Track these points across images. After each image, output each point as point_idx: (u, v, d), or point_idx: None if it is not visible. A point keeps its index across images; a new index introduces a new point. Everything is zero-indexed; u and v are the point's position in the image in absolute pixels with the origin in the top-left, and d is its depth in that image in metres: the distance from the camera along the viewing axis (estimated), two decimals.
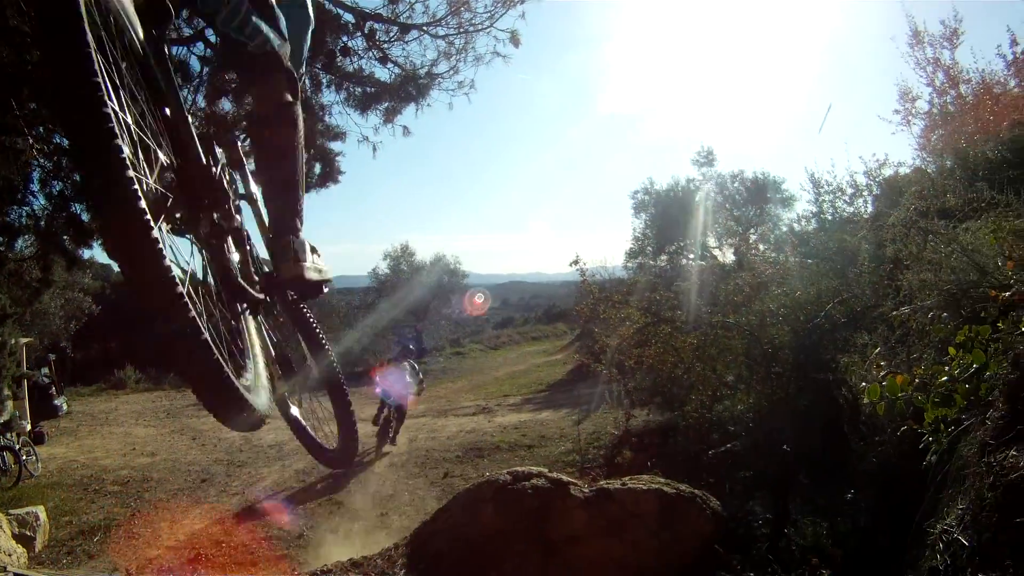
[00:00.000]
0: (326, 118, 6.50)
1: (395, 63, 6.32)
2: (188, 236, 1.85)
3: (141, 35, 1.64)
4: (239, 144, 2.38)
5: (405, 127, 6.58)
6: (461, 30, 6.22)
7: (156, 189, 1.55)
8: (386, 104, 6.41)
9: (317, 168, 6.61)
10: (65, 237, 6.23)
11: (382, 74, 6.37)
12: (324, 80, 6.35)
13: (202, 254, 1.93)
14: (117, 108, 1.32)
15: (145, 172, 1.47)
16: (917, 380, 2.25)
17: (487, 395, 14.25)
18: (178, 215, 1.76)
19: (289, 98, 2.09)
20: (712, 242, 13.99)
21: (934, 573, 1.84)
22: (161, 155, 1.63)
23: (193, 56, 5.84)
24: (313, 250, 2.16)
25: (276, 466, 8.33)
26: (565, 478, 3.75)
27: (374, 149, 6.61)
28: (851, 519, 3.53)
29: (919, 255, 3.54)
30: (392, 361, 11.14)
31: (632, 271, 15.12)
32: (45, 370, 12.95)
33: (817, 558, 3.07)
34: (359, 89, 6.33)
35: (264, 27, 1.88)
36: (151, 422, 12.58)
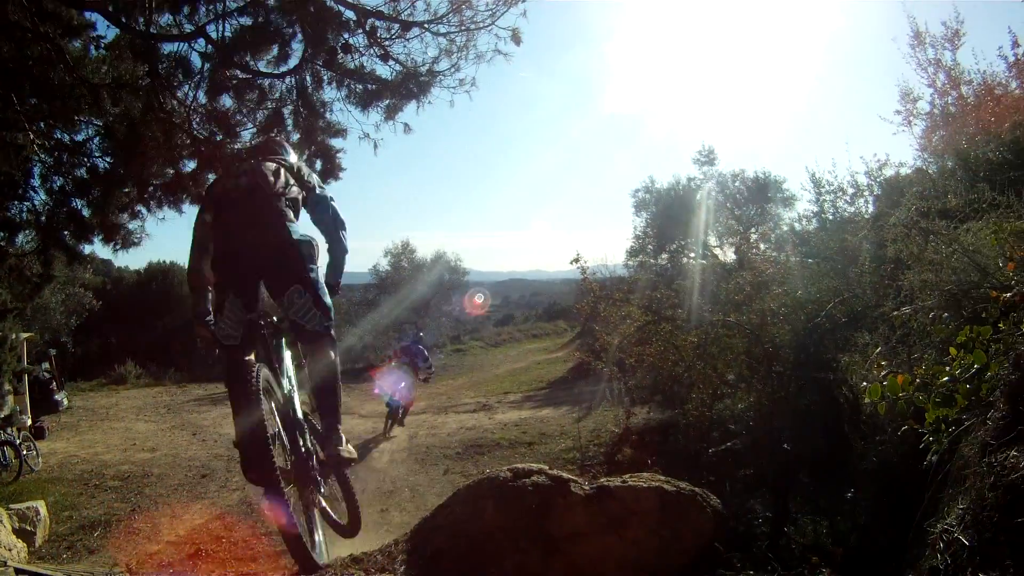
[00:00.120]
0: (327, 115, 6.50)
1: (396, 60, 6.30)
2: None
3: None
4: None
5: (406, 124, 6.56)
6: (462, 28, 6.20)
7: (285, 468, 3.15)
8: (387, 101, 6.39)
9: (318, 165, 6.60)
10: (66, 232, 6.23)
11: (383, 71, 6.35)
12: (325, 77, 6.34)
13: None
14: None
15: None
16: (918, 380, 2.25)
17: (487, 392, 14.28)
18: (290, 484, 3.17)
19: (332, 355, 3.20)
20: (713, 241, 14.01)
21: (934, 572, 1.85)
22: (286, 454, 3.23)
23: (194, 52, 5.84)
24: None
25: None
26: (566, 475, 3.75)
27: (375, 146, 6.59)
28: (851, 518, 3.54)
29: (920, 255, 3.54)
30: (401, 350, 11.42)
31: (633, 269, 15.12)
32: (46, 365, 12.94)
33: (817, 556, 3.08)
34: (360, 86, 6.31)
35: (319, 315, 3.09)
36: (151, 417, 12.60)
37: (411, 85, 6.26)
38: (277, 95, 6.33)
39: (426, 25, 6.15)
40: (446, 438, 9.33)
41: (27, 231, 6.32)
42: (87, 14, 5.50)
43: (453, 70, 6.29)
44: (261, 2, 5.76)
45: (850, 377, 3.95)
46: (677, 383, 6.11)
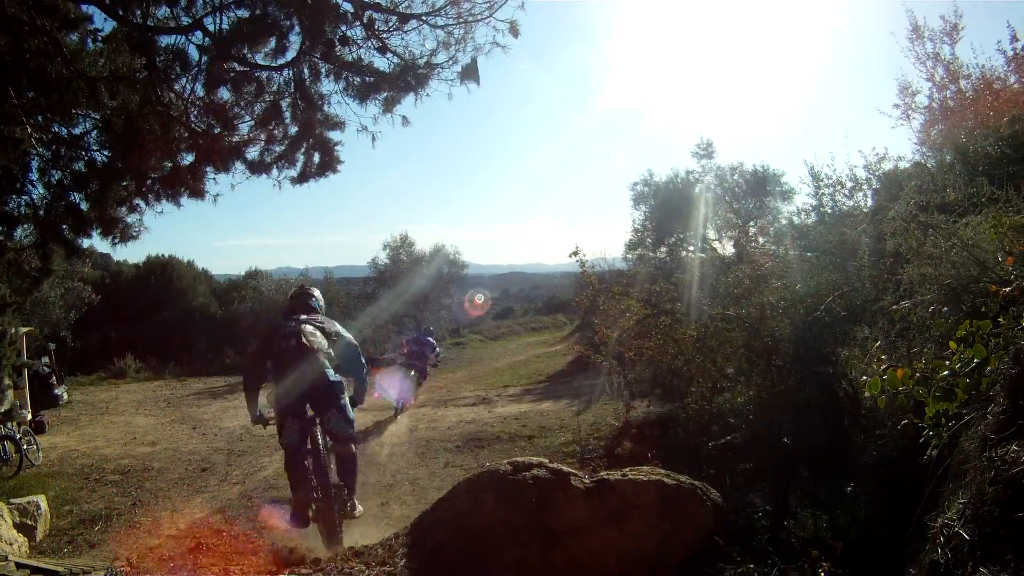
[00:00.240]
0: (325, 108, 6.43)
1: (394, 53, 6.24)
2: None
3: None
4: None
5: (404, 117, 6.51)
6: (460, 20, 6.15)
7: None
8: (385, 94, 6.34)
9: (316, 157, 6.57)
10: (64, 226, 6.21)
11: (381, 64, 6.29)
12: (323, 69, 6.29)
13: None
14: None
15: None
16: (918, 374, 2.25)
17: (487, 385, 14.26)
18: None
19: (353, 448, 4.82)
20: (712, 234, 13.97)
21: (935, 566, 1.85)
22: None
23: (192, 45, 5.80)
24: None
25: (276, 456, 8.31)
26: (566, 468, 3.76)
27: (373, 139, 6.53)
28: (851, 512, 3.55)
29: (919, 249, 3.54)
30: (411, 340, 11.91)
31: (632, 263, 15.12)
32: (45, 359, 12.93)
33: (817, 550, 3.09)
34: (358, 79, 6.26)
35: (346, 426, 4.69)
36: (151, 411, 12.61)
37: (409, 77, 6.21)
38: (275, 88, 6.28)
39: (424, 17, 6.10)
40: (446, 431, 9.33)
41: (25, 225, 6.31)
42: (84, 7, 5.46)
43: (451, 62, 6.24)
44: None
45: (850, 371, 3.96)
46: (676, 376, 6.12)
